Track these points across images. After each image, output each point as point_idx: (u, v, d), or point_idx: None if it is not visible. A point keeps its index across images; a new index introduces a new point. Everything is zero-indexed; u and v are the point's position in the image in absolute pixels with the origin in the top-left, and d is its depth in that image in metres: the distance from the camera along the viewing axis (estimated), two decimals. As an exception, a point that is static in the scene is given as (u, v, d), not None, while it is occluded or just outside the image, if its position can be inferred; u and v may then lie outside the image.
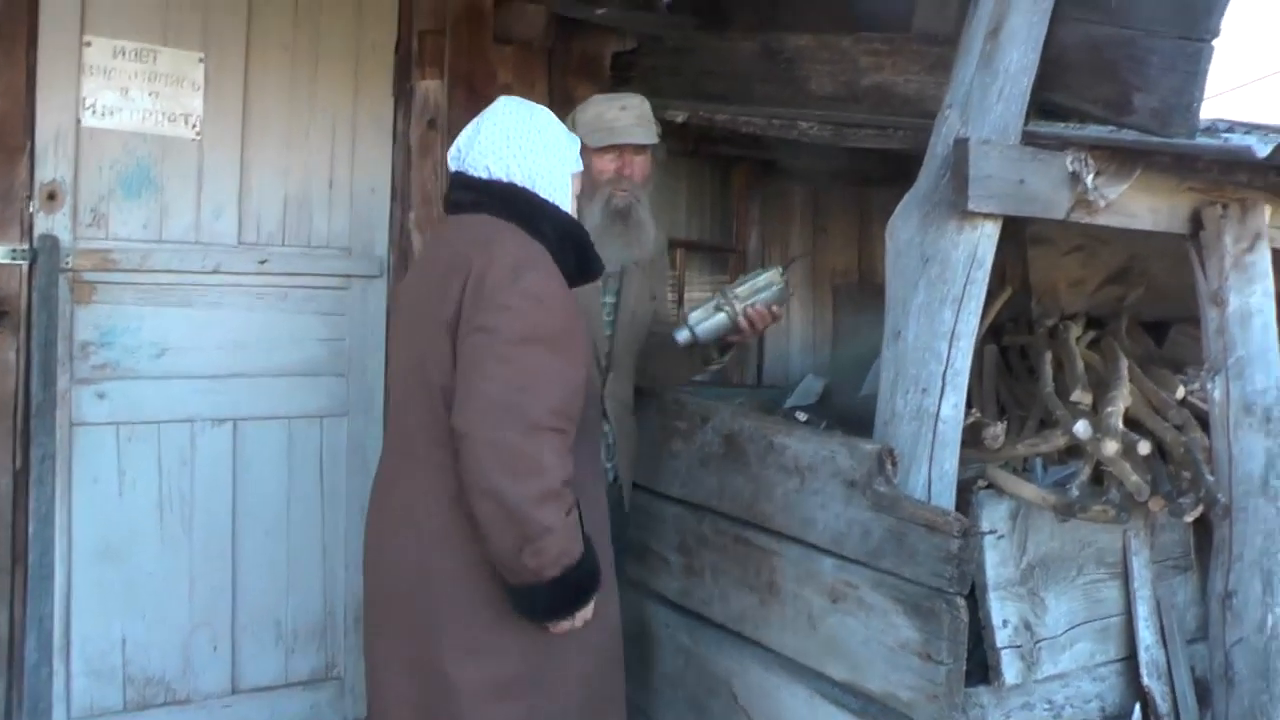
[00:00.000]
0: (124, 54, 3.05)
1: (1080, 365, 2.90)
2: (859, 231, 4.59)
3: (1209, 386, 2.69)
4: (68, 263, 3.00)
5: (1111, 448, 2.49)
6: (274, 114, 3.30)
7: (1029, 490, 2.50)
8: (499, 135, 2.32)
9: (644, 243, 2.87)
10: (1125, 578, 2.68)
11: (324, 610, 3.44)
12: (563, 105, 2.87)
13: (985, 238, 2.43)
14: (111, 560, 3.10)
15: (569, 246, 2.31)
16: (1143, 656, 2.65)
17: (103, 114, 3.04)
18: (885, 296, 2.56)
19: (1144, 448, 2.54)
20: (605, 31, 3.70)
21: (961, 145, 2.35)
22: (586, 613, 2.24)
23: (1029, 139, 2.46)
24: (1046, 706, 2.54)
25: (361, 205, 3.47)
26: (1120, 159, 2.49)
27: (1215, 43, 2.36)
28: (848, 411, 3.35)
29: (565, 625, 2.22)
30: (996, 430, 2.59)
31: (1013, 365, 3.29)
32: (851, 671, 2.40)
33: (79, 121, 3.01)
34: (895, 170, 2.87)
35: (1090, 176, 2.44)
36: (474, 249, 2.19)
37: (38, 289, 2.93)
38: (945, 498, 2.41)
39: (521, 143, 2.31)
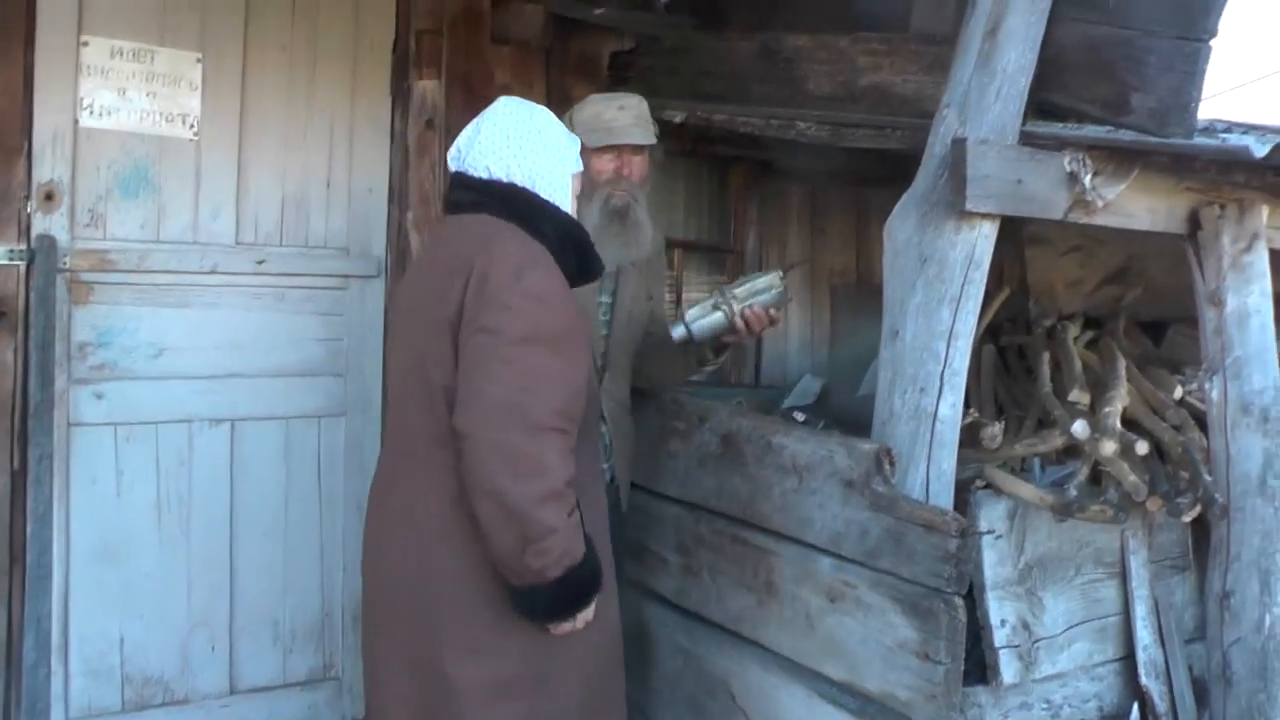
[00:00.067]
0: (121, 54, 3.05)
1: (1078, 365, 2.90)
2: (857, 231, 4.59)
3: (1207, 386, 2.70)
4: (65, 263, 3.00)
5: (1109, 448, 2.49)
6: (272, 114, 3.30)
7: (1027, 490, 2.50)
8: (499, 135, 2.32)
9: (642, 243, 2.87)
10: (1123, 577, 2.68)
11: (322, 610, 3.44)
12: (561, 105, 2.87)
13: (983, 238, 2.43)
14: (109, 560, 3.10)
15: (569, 247, 2.31)
16: (1141, 656, 2.65)
17: (100, 114, 3.04)
18: (883, 296, 2.56)
19: (1142, 448, 2.54)
20: (603, 31, 3.70)
21: (959, 145, 2.35)
22: (588, 613, 2.24)
23: (1027, 139, 2.46)
24: (1044, 706, 2.54)
25: (359, 205, 3.47)
26: (1118, 159, 2.49)
27: (1213, 43, 2.37)
28: (845, 411, 3.36)
29: (567, 626, 2.22)
30: (994, 430, 2.59)
31: (1010, 365, 3.29)
32: (849, 671, 2.40)
33: (76, 122, 3.01)
34: (893, 170, 2.87)
35: (1088, 176, 2.44)
36: (475, 249, 2.19)
37: (35, 289, 2.93)
38: (943, 497, 2.41)
39: (522, 143, 2.31)
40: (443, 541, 2.21)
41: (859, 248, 4.60)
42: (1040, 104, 2.58)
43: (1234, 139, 2.53)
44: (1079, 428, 2.52)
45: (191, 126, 3.17)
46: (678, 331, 2.79)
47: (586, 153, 2.67)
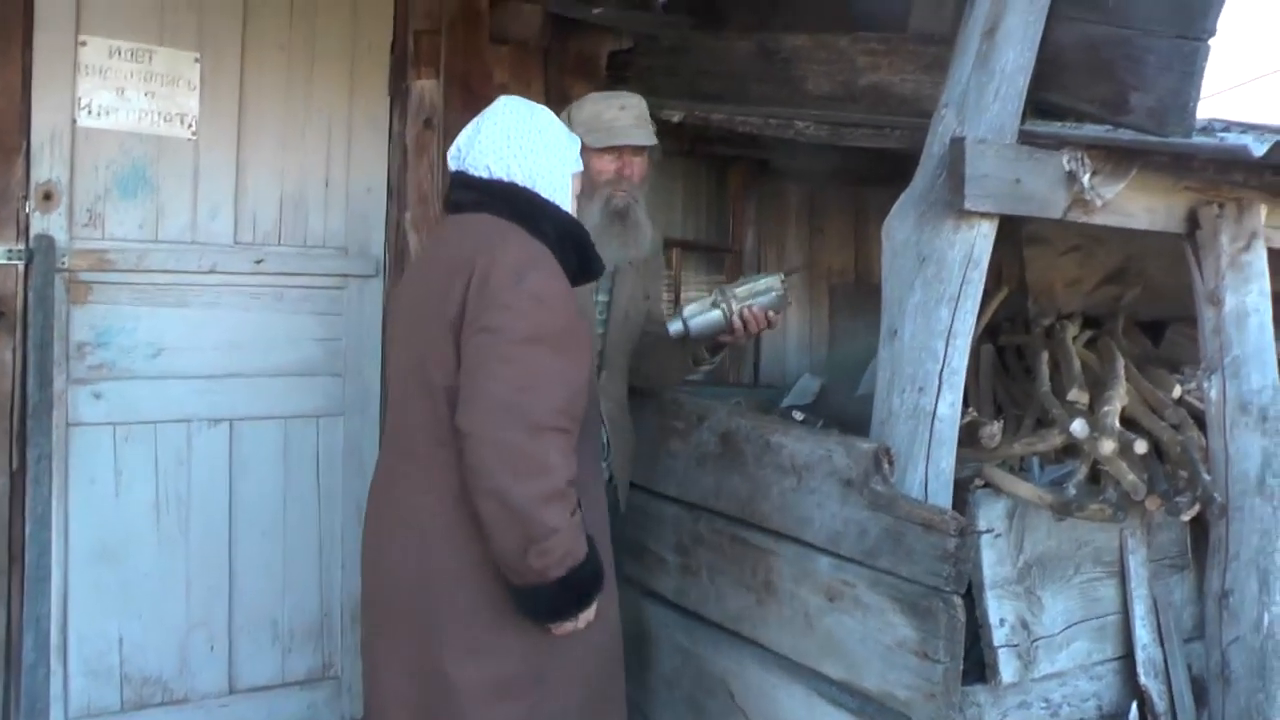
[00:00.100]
0: (120, 54, 3.05)
1: (1077, 364, 2.90)
2: (855, 231, 4.59)
3: (1205, 386, 2.70)
4: (64, 263, 3.00)
5: (1108, 447, 2.49)
6: (270, 114, 3.30)
7: (1026, 489, 2.50)
8: (500, 135, 2.32)
9: (642, 243, 2.88)
10: (1122, 577, 2.68)
11: (321, 610, 3.44)
12: (559, 105, 2.87)
13: (981, 237, 2.43)
14: (108, 560, 3.09)
15: (570, 246, 2.31)
16: (1140, 655, 2.66)
17: (98, 114, 3.03)
18: (881, 296, 2.56)
19: (1141, 447, 2.54)
20: (601, 31, 3.70)
21: (958, 144, 2.35)
22: (589, 613, 2.24)
23: (1025, 138, 2.46)
24: (1043, 705, 2.54)
25: (357, 205, 3.47)
26: (1117, 158, 2.49)
27: (1212, 42, 2.37)
28: (844, 411, 3.35)
29: (569, 626, 2.22)
30: (993, 429, 2.59)
31: (1009, 365, 3.29)
32: (848, 670, 2.40)
33: (75, 121, 3.01)
34: (891, 170, 2.87)
35: (1087, 176, 2.44)
36: (477, 249, 2.19)
37: (34, 289, 2.93)
38: (942, 497, 2.41)
39: (522, 142, 2.31)
40: (444, 541, 2.21)
41: (857, 247, 4.60)
42: (1039, 103, 2.58)
43: (1233, 138, 2.54)
44: (1078, 427, 2.52)
45: (190, 126, 3.16)
46: (674, 327, 2.78)
47: (587, 152, 2.67)
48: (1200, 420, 2.71)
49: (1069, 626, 2.58)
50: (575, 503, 2.14)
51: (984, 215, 2.41)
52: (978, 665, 2.45)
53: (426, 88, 3.46)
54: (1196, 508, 2.54)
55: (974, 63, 2.47)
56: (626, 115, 2.79)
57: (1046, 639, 2.53)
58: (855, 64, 3.01)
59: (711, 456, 2.81)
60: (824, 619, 2.45)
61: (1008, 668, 2.45)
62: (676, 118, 3.29)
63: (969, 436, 2.55)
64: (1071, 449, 2.66)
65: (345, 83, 3.41)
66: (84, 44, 2.99)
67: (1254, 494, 2.63)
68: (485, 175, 2.31)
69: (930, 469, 2.42)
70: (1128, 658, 2.67)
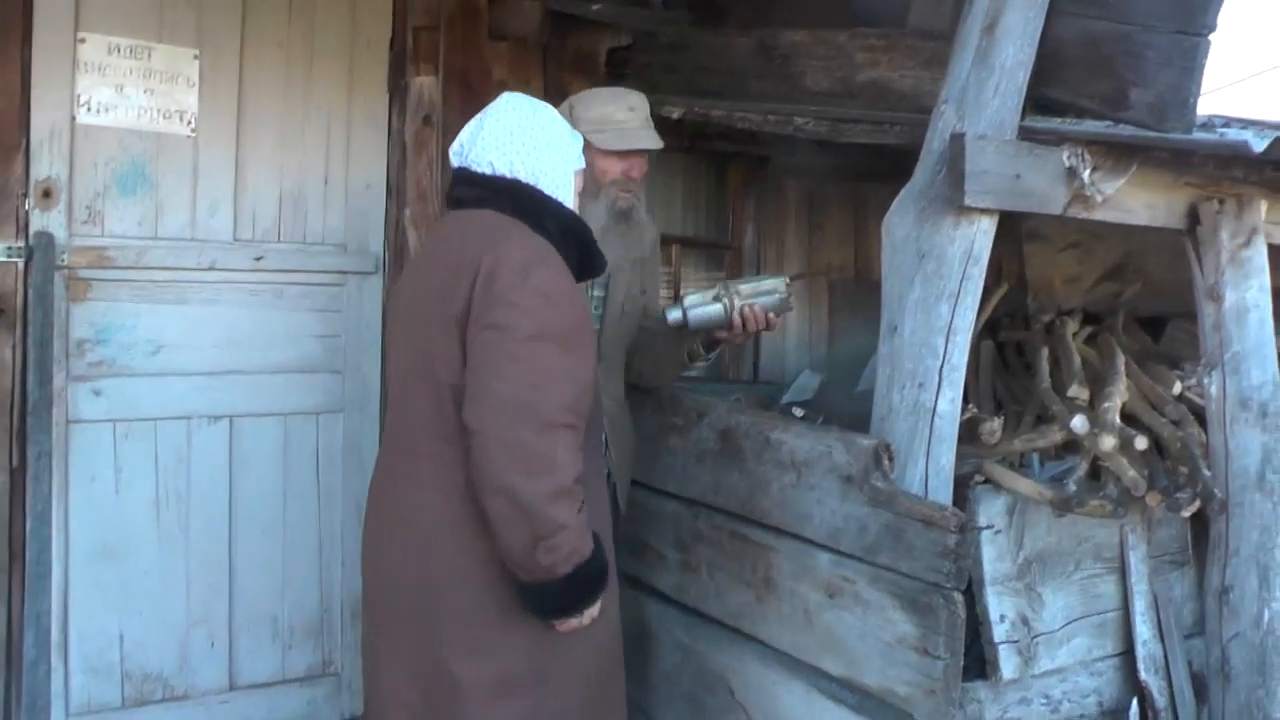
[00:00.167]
0: (119, 51, 3.04)
1: (1077, 361, 2.90)
2: (855, 227, 4.60)
3: (1205, 382, 2.70)
4: (63, 260, 2.99)
5: (1109, 443, 2.49)
6: (269, 111, 3.29)
7: (1026, 485, 2.50)
8: (503, 131, 2.31)
9: (644, 241, 2.91)
10: (1122, 573, 2.68)
11: (321, 607, 3.44)
12: (558, 102, 2.86)
13: (981, 233, 2.43)
14: (108, 557, 3.09)
15: (571, 243, 2.31)
16: (1140, 651, 2.66)
17: (98, 111, 3.03)
18: (881, 292, 2.56)
19: (1141, 443, 2.54)
20: (600, 27, 3.70)
21: (958, 140, 2.35)
22: (594, 610, 2.24)
23: (1025, 134, 2.46)
24: (1044, 701, 2.54)
25: (357, 202, 3.47)
26: (1117, 154, 2.49)
27: (1212, 38, 2.36)
28: (844, 407, 3.36)
29: (573, 622, 2.22)
30: (993, 425, 2.59)
31: (1009, 361, 3.29)
32: (848, 667, 2.40)
33: (74, 118, 3.00)
34: (891, 166, 2.87)
35: (1087, 171, 2.44)
36: (482, 246, 2.19)
37: (33, 286, 2.93)
38: (942, 493, 2.41)
39: (525, 139, 2.31)
40: (449, 539, 2.20)
41: (857, 244, 4.60)
42: (1039, 99, 2.58)
43: (1233, 134, 2.53)
44: (1078, 423, 2.52)
45: (189, 123, 3.16)
46: (674, 315, 2.74)
47: (591, 151, 2.65)
48: (1200, 416, 2.71)
49: (1069, 622, 2.58)
50: (582, 499, 2.14)
51: (984, 211, 2.41)
52: (978, 661, 2.45)
53: (425, 84, 3.45)
54: (1197, 504, 2.54)
55: (974, 58, 2.47)
56: (636, 117, 2.78)
57: (1047, 635, 2.53)
58: (854, 60, 3.01)
59: (711, 453, 2.81)
60: (824, 615, 2.45)
61: (1008, 664, 2.46)
62: (676, 114, 3.29)
63: (969, 433, 2.55)
64: (1072, 445, 2.66)
65: (344, 79, 3.41)
66: (83, 41, 2.99)
67: (1254, 490, 2.63)
68: (488, 171, 2.31)
69: (930, 465, 2.42)
70: (1128, 654, 2.67)
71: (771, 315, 2.76)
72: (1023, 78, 2.47)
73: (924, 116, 2.55)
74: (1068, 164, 2.44)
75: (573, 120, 2.64)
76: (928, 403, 2.43)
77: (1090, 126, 2.50)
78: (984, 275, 2.47)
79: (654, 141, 2.79)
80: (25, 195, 2.94)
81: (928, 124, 2.52)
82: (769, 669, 2.60)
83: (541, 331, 2.13)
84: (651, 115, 2.86)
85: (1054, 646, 2.54)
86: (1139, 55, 2.44)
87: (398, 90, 3.47)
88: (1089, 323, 3.34)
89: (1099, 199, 2.49)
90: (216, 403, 3.24)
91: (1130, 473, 2.48)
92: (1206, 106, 2.57)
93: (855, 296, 4.45)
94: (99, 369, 3.07)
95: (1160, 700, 2.65)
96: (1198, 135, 2.44)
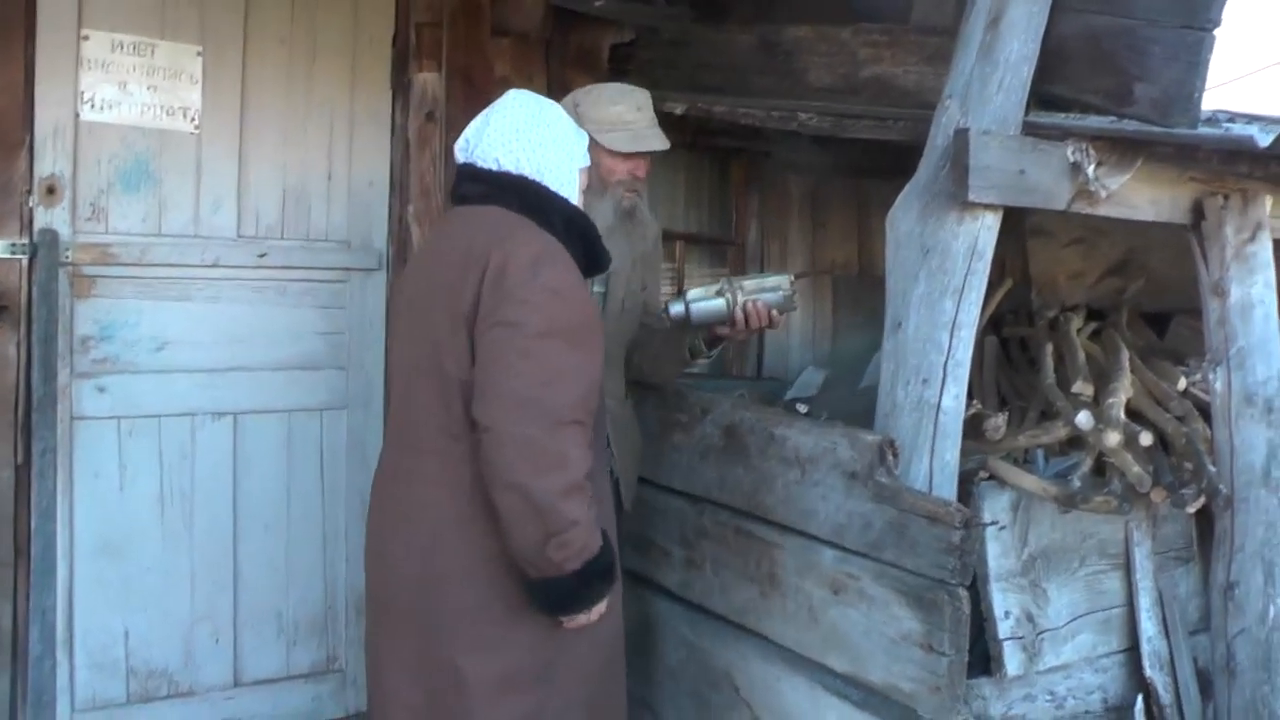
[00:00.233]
0: (122, 48, 3.04)
1: (1081, 357, 2.90)
2: (858, 223, 4.60)
3: (1210, 377, 2.70)
4: (67, 257, 2.99)
5: (1113, 439, 2.49)
6: (272, 108, 3.29)
7: (1030, 481, 2.50)
8: (509, 128, 2.31)
9: (648, 238, 2.91)
10: (1127, 569, 2.68)
11: (325, 603, 3.44)
12: (561, 98, 2.86)
13: (985, 229, 2.43)
14: (113, 554, 3.10)
15: (577, 239, 2.31)
16: (1145, 648, 2.66)
17: (101, 108, 3.03)
18: (885, 288, 2.56)
19: (1146, 439, 2.55)
20: (603, 23, 3.69)
21: (961, 136, 2.35)
22: (602, 606, 2.24)
23: (1029, 129, 2.46)
24: (1049, 698, 2.55)
25: (360, 198, 3.46)
26: (1121, 149, 2.48)
27: (1217, 33, 2.36)
28: (848, 403, 3.36)
29: (581, 619, 2.22)
30: (998, 421, 2.59)
31: (1013, 357, 3.29)
32: (853, 663, 2.40)
33: (77, 115, 3.00)
34: (894, 162, 2.87)
35: (1091, 167, 2.44)
36: (490, 243, 2.18)
37: (38, 283, 2.93)
38: (946, 489, 2.41)
39: (531, 136, 2.31)
40: (456, 535, 2.20)
41: (861, 240, 4.60)
42: (1043, 95, 2.57)
43: (1238, 129, 2.53)
44: (1083, 419, 2.52)
45: (192, 120, 3.16)
46: (676, 309, 2.71)
47: (597, 149, 2.64)
48: (1205, 412, 2.71)
49: (1074, 619, 2.59)
50: (591, 495, 2.15)
51: (988, 207, 2.41)
52: (983, 658, 2.45)
53: (428, 81, 3.45)
54: (1202, 500, 2.55)
55: (977, 54, 2.46)
56: (644, 117, 2.76)
57: (1051, 631, 2.54)
58: (857, 56, 3.00)
59: (715, 449, 2.81)
60: (828, 612, 2.45)
61: (1012, 660, 2.46)
62: (679, 110, 3.29)
63: (973, 429, 2.55)
64: (1076, 441, 2.66)
65: (347, 76, 3.41)
66: (86, 38, 2.99)
67: (1259, 486, 2.63)
68: (494, 168, 2.31)
69: (935, 461, 2.42)
70: (1133, 650, 2.67)
71: (775, 312, 2.74)
72: (1026, 73, 2.47)
73: (927, 112, 2.55)
74: (1072, 159, 2.44)
75: (578, 117, 2.63)
76: (932, 399, 2.43)
77: (1094, 122, 2.50)
78: (988, 271, 2.47)
79: (662, 143, 2.78)
80: (29, 192, 2.94)
81: (931, 120, 2.52)
82: (773, 665, 2.60)
83: (551, 328, 2.12)
84: (655, 112, 2.85)
85: (1059, 643, 2.55)
86: (1143, 50, 2.44)
87: (400, 86, 3.46)
88: (1093, 318, 3.34)
89: (1103, 194, 2.49)
90: (220, 399, 3.24)
91: (1135, 469, 2.47)
92: (1211, 102, 2.56)
93: (859, 292, 4.45)
94: (103, 366, 3.07)
95: (1165, 696, 2.65)
96: (1202, 130, 2.44)
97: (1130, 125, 2.45)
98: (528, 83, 3.30)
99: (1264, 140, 2.29)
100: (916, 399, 2.44)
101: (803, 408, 3.28)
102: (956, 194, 2.36)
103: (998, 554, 2.47)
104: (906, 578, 2.27)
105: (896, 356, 2.49)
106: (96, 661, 3.08)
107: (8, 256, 2.90)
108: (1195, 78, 2.37)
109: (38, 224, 2.95)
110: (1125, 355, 2.85)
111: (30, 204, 2.94)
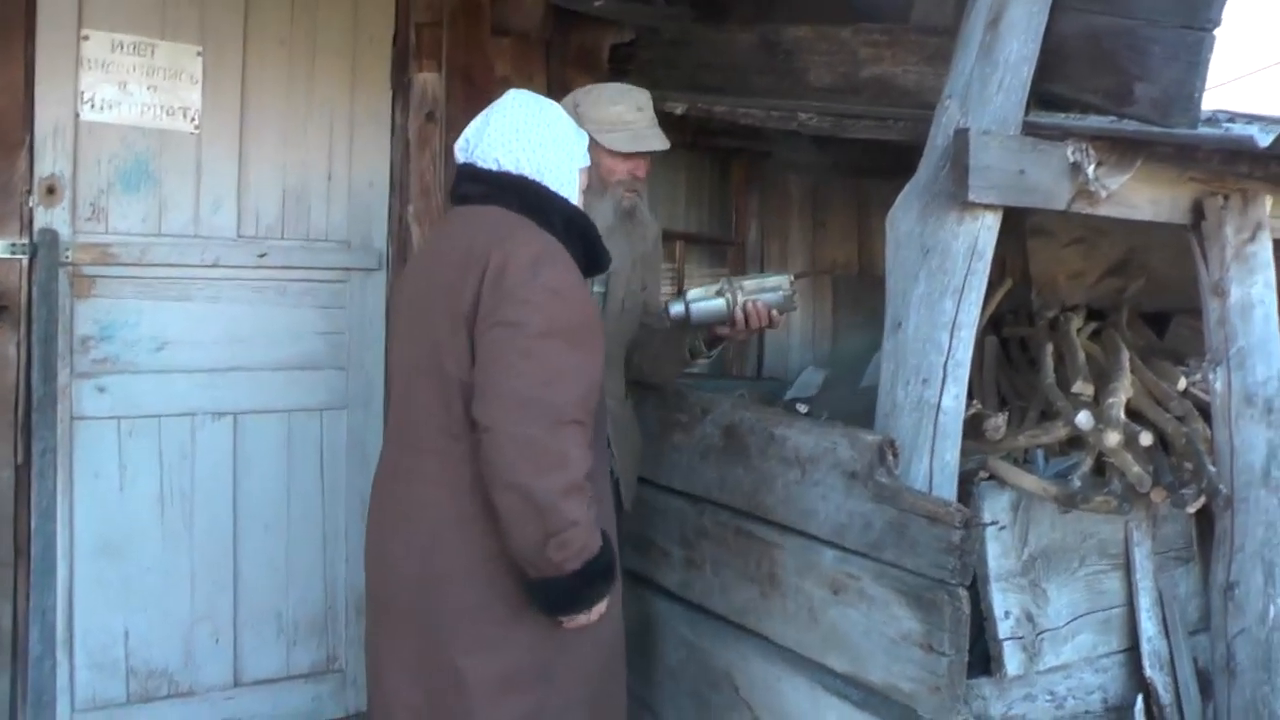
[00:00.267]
0: (122, 47, 3.04)
1: (1081, 357, 2.90)
2: (858, 223, 4.60)
3: (1210, 377, 2.70)
4: (67, 257, 2.99)
5: (1113, 439, 2.49)
6: (272, 108, 3.29)
7: (1030, 481, 2.50)
8: (509, 128, 2.31)
9: (648, 238, 2.91)
10: (1127, 569, 2.68)
11: (325, 603, 3.44)
12: (561, 98, 2.86)
13: (985, 229, 2.43)
14: (113, 554, 3.10)
15: (577, 239, 2.31)
16: (1145, 648, 2.66)
17: (101, 108, 3.03)
18: (885, 288, 2.56)
19: (1146, 439, 2.55)
20: (603, 23, 3.69)
21: (961, 136, 2.35)
22: (602, 606, 2.24)
23: (1029, 129, 2.46)
24: (1049, 698, 2.55)
25: (360, 198, 3.46)
26: (1121, 149, 2.48)
27: (1217, 32, 2.36)
28: (848, 403, 3.36)
29: (581, 619, 2.22)
30: (998, 421, 2.59)
31: (1013, 357, 3.29)
32: (853, 663, 2.40)
33: (77, 115, 3.00)
34: (894, 162, 2.87)
35: (1091, 167, 2.44)
36: (490, 243, 2.18)
37: (38, 283, 2.93)
38: (946, 489, 2.41)
39: (531, 136, 2.31)
40: (456, 535, 2.20)
41: (861, 240, 4.60)
42: (1043, 95, 2.57)
43: (1238, 129, 2.53)
44: (1083, 419, 2.52)
45: (192, 120, 3.16)
46: (676, 308, 2.71)
47: (598, 150, 2.64)
48: (1205, 412, 2.71)
49: (1074, 619, 2.59)
50: (591, 495, 2.15)
51: (988, 207, 2.41)
52: (982, 658, 2.45)
53: (428, 80, 3.45)
54: (1202, 500, 2.55)
55: (977, 54, 2.46)
56: (644, 117, 2.76)
57: (1051, 631, 2.54)
58: (857, 56, 3.00)
59: (715, 449, 2.81)
60: (828, 612, 2.45)
61: (1013, 660, 2.46)
62: (679, 110, 3.29)
63: (973, 429, 2.55)
64: (1076, 441, 2.66)
65: (347, 76, 3.41)
66: (86, 38, 2.99)
67: (1259, 486, 2.63)
68: (494, 168, 2.31)
69: (935, 461, 2.42)
70: (1133, 650, 2.67)
71: (775, 312, 2.73)
72: (1026, 73, 2.47)
73: (927, 112, 2.55)
74: (1072, 159, 2.44)
75: (578, 117, 2.63)
76: (932, 399, 2.43)
77: (1094, 122, 2.50)
78: (988, 271, 2.47)
79: (662, 142, 2.78)
80: (29, 192, 2.94)
81: (931, 120, 2.51)
82: (773, 665, 2.60)
83: (551, 328, 2.12)
84: (655, 111, 2.85)
85: (1059, 643, 2.55)
86: (1143, 50, 2.44)
87: (400, 86, 3.46)
88: (1093, 318, 3.34)
89: (1103, 194, 2.49)
90: (220, 399, 3.24)
91: (1135, 468, 2.47)
92: (1211, 102, 2.56)
93: (859, 292, 4.45)
94: (103, 366, 3.07)
95: (1165, 696, 2.65)
96: (1202, 130, 2.44)
97: (1130, 125, 2.45)
98: (528, 82, 3.30)
99: (1264, 140, 2.29)
100: (916, 399, 2.44)
101: (803, 408, 3.28)
102: (956, 194, 2.36)
103: (998, 554, 2.47)
104: (906, 578, 2.27)
105: (896, 356, 2.49)
106: (96, 661, 3.08)
107: (8, 256, 2.90)
108: (1195, 78, 2.37)
109: (38, 224, 2.95)
110: (1125, 355, 2.85)
111: (30, 204, 2.94)
